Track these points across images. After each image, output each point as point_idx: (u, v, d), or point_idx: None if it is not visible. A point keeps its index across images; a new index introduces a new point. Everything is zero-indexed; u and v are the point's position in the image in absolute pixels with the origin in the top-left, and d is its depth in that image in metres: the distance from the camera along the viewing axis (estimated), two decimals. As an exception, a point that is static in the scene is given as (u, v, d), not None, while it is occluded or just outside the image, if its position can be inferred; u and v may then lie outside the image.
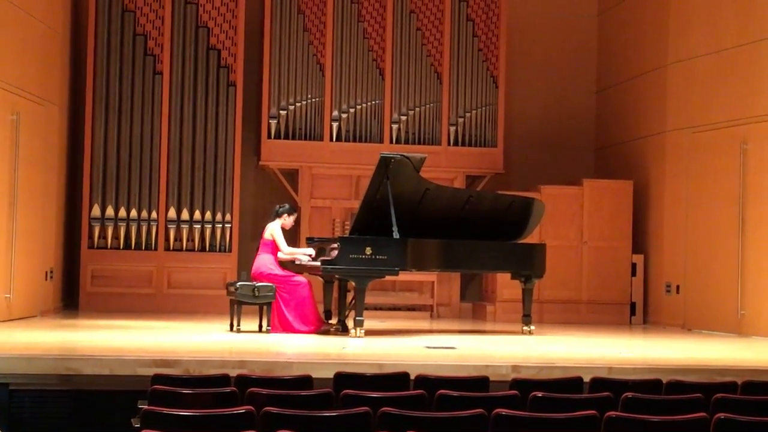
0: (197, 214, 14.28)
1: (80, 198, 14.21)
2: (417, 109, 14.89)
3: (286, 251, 11.16)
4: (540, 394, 6.14)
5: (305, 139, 14.65)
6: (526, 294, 11.86)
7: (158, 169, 14.28)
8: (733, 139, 12.88)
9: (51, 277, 13.21)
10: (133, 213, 14.14)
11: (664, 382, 6.96)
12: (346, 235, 11.88)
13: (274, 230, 11.18)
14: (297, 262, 11.23)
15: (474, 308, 15.09)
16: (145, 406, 5.46)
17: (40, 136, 12.60)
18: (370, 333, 10.76)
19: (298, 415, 5.31)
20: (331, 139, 14.69)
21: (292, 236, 14.33)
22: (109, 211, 14.08)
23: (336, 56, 14.80)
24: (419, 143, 14.74)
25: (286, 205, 11.49)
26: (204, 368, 7.70)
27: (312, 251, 11.20)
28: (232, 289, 10.96)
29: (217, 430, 5.12)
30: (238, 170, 14.47)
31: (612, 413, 5.51)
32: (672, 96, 14.09)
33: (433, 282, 14.61)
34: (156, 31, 14.40)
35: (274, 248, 11.13)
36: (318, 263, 10.81)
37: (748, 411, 5.84)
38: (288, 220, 11.35)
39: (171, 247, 14.24)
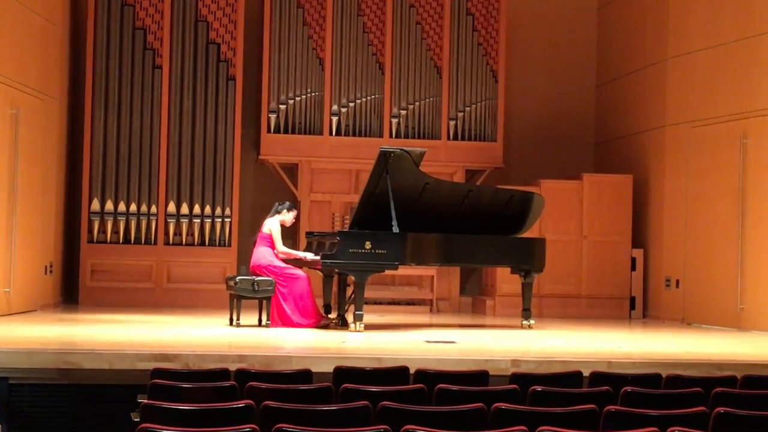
0: (197, 209, 14.27)
1: (80, 192, 14.20)
2: (416, 103, 14.89)
3: (281, 249, 11.15)
4: (539, 389, 6.15)
5: (305, 133, 14.65)
6: (526, 288, 11.86)
7: (158, 164, 14.27)
8: (732, 133, 12.88)
9: (50, 272, 13.21)
10: (133, 207, 14.14)
11: (663, 376, 6.97)
12: (346, 230, 11.88)
13: (272, 227, 11.17)
14: (298, 258, 11.22)
15: (473, 302, 15.09)
16: (145, 401, 5.46)
17: (39, 131, 12.60)
18: (369, 327, 10.76)
19: (297, 409, 5.32)
20: (331, 134, 14.68)
21: (292, 231, 14.34)
22: (109, 206, 14.07)
23: (335, 50, 14.79)
24: (419, 137, 14.73)
25: (287, 203, 11.49)
26: (203, 362, 7.70)
27: (310, 255, 11.15)
28: (231, 283, 10.96)
29: (216, 424, 5.12)
30: (237, 164, 14.47)
31: (611, 407, 5.51)
32: (671, 90, 14.08)
33: (432, 276, 14.62)
34: (155, 25, 14.38)
35: (271, 242, 11.13)
36: (318, 257, 10.81)
37: (747, 405, 5.85)
38: (288, 216, 11.35)
39: (170, 242, 14.24)
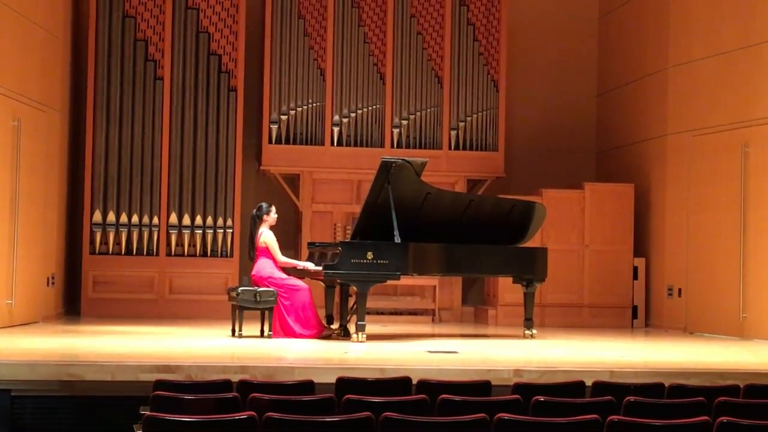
0: (198, 220, 14.27)
1: (81, 204, 14.20)
2: (418, 113, 14.89)
3: (281, 260, 11.13)
4: (542, 399, 6.14)
5: (306, 143, 14.65)
6: (528, 298, 11.86)
7: (159, 175, 14.27)
8: (734, 142, 12.88)
9: (53, 283, 13.21)
10: (135, 218, 14.14)
11: (666, 385, 6.96)
12: (348, 240, 11.88)
13: (266, 239, 11.10)
14: (299, 267, 11.22)
15: (476, 312, 15.08)
16: (147, 412, 5.45)
17: (41, 142, 12.61)
18: (371, 338, 10.76)
19: (300, 420, 5.31)
20: (332, 144, 14.68)
21: (293, 242, 14.37)
22: (111, 217, 14.07)
23: (337, 61, 14.80)
24: (420, 147, 14.74)
25: (262, 206, 11.37)
26: (206, 374, 7.70)
27: (311, 264, 11.13)
28: (233, 294, 10.95)
29: (219, 436, 5.13)
30: (239, 175, 14.47)
31: (614, 417, 5.50)
32: (673, 99, 14.09)
33: (434, 286, 14.61)
34: (157, 37, 14.40)
35: (270, 254, 11.09)
36: (320, 268, 10.81)
37: (750, 415, 5.84)
38: (271, 217, 11.28)
39: (172, 253, 14.24)
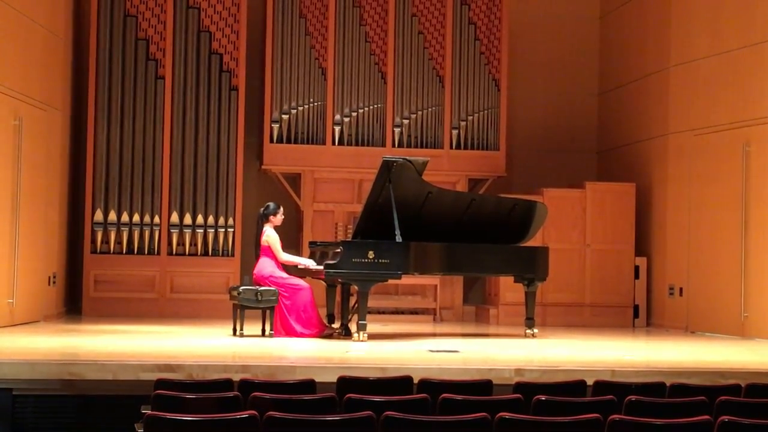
0: (200, 219, 14.27)
1: (83, 203, 14.21)
2: (419, 112, 14.89)
3: (283, 260, 11.13)
4: (543, 398, 6.14)
5: (307, 143, 14.66)
6: (529, 297, 11.85)
7: (160, 174, 14.28)
8: (735, 141, 12.88)
9: (54, 282, 13.21)
10: (136, 218, 14.14)
11: (667, 385, 6.96)
12: (349, 239, 11.88)
13: (269, 238, 11.11)
14: (300, 266, 11.22)
15: (477, 311, 15.08)
16: (149, 411, 5.46)
17: (42, 141, 12.61)
18: (373, 337, 10.76)
19: (301, 419, 5.31)
20: (334, 143, 14.68)
21: (295, 242, 14.37)
22: (112, 216, 14.08)
23: (338, 60, 14.80)
24: (421, 147, 14.74)
25: (270, 205, 11.37)
26: (207, 373, 7.70)
27: (312, 262, 11.14)
28: (234, 293, 10.95)
29: (220, 435, 5.13)
30: (240, 174, 14.47)
31: (615, 416, 5.50)
32: (674, 98, 14.09)
33: (435, 285, 14.61)
34: (158, 36, 14.40)
35: (272, 253, 11.09)
36: (321, 267, 10.81)
37: (751, 414, 5.84)
38: (277, 219, 11.29)
39: (174, 252, 14.24)
